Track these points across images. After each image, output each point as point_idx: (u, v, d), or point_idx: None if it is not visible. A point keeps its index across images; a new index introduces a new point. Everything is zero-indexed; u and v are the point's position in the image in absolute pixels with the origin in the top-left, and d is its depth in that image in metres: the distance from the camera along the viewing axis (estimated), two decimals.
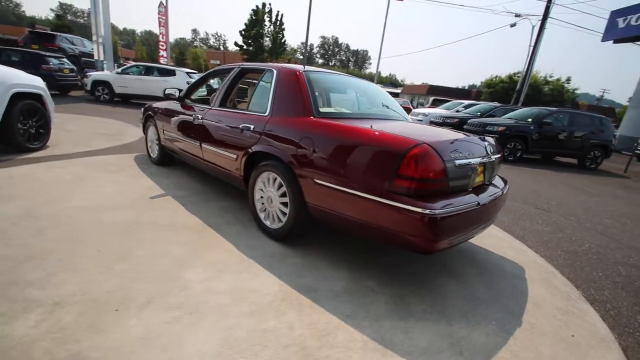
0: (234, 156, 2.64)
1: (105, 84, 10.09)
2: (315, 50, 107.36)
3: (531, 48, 19.63)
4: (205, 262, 2.07)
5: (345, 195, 1.90)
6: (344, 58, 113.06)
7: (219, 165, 2.90)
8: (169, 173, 3.89)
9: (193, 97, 3.71)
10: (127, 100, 10.96)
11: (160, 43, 15.76)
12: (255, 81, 2.96)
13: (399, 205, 1.70)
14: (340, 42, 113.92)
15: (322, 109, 2.31)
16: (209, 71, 3.54)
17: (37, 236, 2.13)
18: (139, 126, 6.72)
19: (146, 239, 2.27)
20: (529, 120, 8.47)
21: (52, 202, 2.66)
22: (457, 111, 12.23)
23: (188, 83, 10.46)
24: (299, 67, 2.64)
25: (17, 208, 2.49)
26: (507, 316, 1.91)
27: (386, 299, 1.90)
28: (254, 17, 30.15)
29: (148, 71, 10.51)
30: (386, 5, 21.47)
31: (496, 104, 13.56)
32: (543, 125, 8.22)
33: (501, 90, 32.22)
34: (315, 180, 2.04)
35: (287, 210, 2.30)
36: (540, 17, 19.17)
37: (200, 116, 3.05)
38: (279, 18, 30.60)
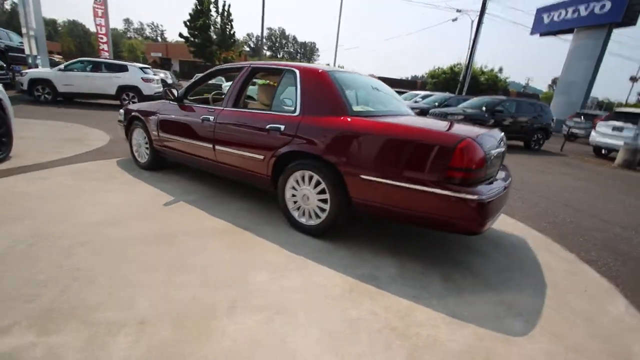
0: (261, 157, 2.64)
1: (45, 82, 8.97)
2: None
3: (471, 41, 21.35)
4: (262, 263, 2.09)
5: (395, 188, 2.05)
6: (292, 50, 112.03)
7: (239, 166, 2.86)
8: (165, 177, 3.70)
9: (190, 97, 3.56)
10: (71, 100, 9.88)
11: (100, 35, 14.22)
12: (268, 81, 2.96)
13: (451, 194, 1.89)
14: (287, 34, 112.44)
15: (355, 108, 2.41)
16: (210, 70, 3.41)
17: (68, 257, 1.97)
18: (103, 128, 6.26)
19: (188, 247, 2.21)
20: (483, 108, 9.32)
21: (59, 219, 2.44)
22: (416, 102, 12.96)
23: (143, 79, 9.76)
24: (320, 66, 2.70)
25: (24, 228, 2.25)
26: (533, 280, 2.22)
27: (437, 279, 2.10)
28: (198, 7, 28.53)
29: (95, 67, 9.54)
30: None
31: (449, 94, 14.58)
32: (495, 112, 9.11)
33: (444, 81, 34.55)
34: (362, 176, 2.15)
35: (326, 207, 2.39)
36: (479, 13, 20.87)
37: (211, 117, 2.96)
38: (226, 9, 29.33)
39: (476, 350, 1.53)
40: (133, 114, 3.92)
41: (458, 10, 22.07)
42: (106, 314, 1.52)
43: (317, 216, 2.47)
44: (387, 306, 1.77)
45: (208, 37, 28.28)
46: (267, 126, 2.56)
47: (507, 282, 2.15)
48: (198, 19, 27.97)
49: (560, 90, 18.92)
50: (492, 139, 2.24)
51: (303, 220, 2.56)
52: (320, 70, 2.57)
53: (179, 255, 2.10)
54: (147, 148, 3.88)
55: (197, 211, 2.84)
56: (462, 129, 2.20)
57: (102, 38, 14.38)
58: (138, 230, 2.39)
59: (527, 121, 9.48)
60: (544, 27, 20.29)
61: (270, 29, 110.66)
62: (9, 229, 2.21)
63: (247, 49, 36.11)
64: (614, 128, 9.07)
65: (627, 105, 42.45)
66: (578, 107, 17.17)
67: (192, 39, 28.56)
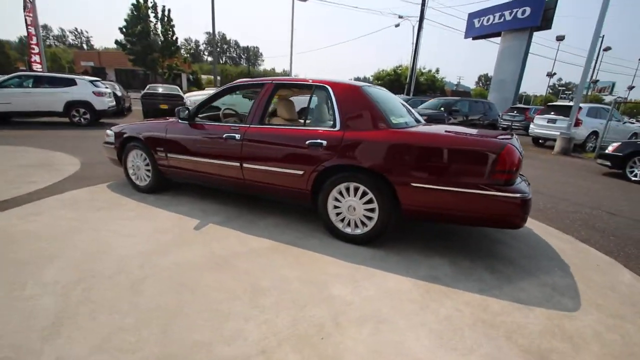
0: (299, 172, 2.68)
1: None
2: (202, 47, 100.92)
3: (414, 45, 22.93)
4: (330, 277, 2.15)
5: (446, 192, 2.25)
6: (234, 55, 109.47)
7: (272, 183, 2.86)
8: (174, 200, 3.53)
9: (201, 115, 3.44)
10: (6, 119, 8.69)
11: (32, 46, 12.61)
12: (289, 96, 2.98)
13: (499, 194, 2.15)
14: (228, 38, 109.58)
15: (393, 121, 2.57)
16: (224, 87, 3.31)
17: (138, 295, 1.85)
18: (64, 150, 5.65)
19: (249, 270, 2.18)
20: (442, 108, 10.14)
21: (96, 255, 2.25)
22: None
23: (95, 93, 8.97)
24: (349, 81, 2.82)
25: (61, 271, 2.05)
26: (556, 262, 2.58)
27: (485, 272, 2.34)
28: (135, 13, 26.67)
29: (37, 82, 8.51)
30: (274, 2, 21.81)
31: (405, 96, 15.47)
32: (452, 112, 9.97)
33: (388, 82, 36.54)
34: (413, 184, 2.32)
35: (373, 215, 2.52)
36: (418, 18, 22.51)
37: (237, 135, 2.92)
38: (166, 14, 27.80)
39: (551, 328, 1.78)
40: (127, 135, 3.66)
41: (400, 17, 23.57)
42: (224, 349, 1.49)
43: (364, 225, 2.59)
44: (466, 302, 1.96)
45: (149, 43, 26.54)
46: (307, 142, 2.62)
47: (539, 267, 2.47)
48: (136, 25, 26.13)
49: (494, 87, 21.14)
50: (517, 143, 2.55)
51: (348, 230, 2.65)
52: (354, 86, 2.69)
53: (247, 278, 2.08)
54: (148, 170, 3.65)
55: (234, 232, 2.78)
56: (496, 135, 2.47)
57: (34, 49, 12.76)
58: (189, 257, 2.29)
59: (479, 118, 10.52)
60: (475, 31, 22.47)
61: (208, 33, 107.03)
62: (44, 275, 1.99)
63: (187, 54, 34.46)
64: (549, 120, 10.46)
65: (546, 97, 49.13)
66: (510, 102, 19.34)
67: (129, 46, 26.57)
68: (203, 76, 42.36)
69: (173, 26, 27.85)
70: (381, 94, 2.96)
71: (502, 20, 20.52)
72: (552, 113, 10.52)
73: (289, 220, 3.11)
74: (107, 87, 9.72)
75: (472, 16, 22.66)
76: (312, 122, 2.83)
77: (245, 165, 2.93)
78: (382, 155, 2.39)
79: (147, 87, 12.96)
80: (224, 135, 2.99)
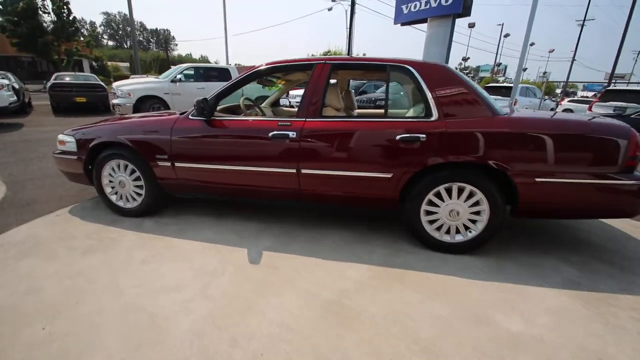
0: (387, 175, 2.15)
1: None
2: (100, 30, 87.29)
3: (348, 30, 23.00)
4: (484, 305, 1.72)
5: (574, 186, 1.98)
6: (142, 39, 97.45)
7: (344, 192, 2.27)
8: (184, 222, 2.66)
9: (218, 109, 2.60)
10: None
11: None
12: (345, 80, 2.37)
13: (627, 182, 1.96)
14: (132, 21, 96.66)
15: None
16: (252, 70, 2.49)
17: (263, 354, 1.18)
18: None
19: (381, 314, 1.63)
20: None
21: (147, 343, 1.44)
22: None
23: (15, 91, 6.80)
24: (433, 61, 2.33)
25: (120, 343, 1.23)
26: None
27: (602, 267, 2.14)
28: None
29: None
30: None
31: (360, 81, 15.34)
32: (361, 93, 10.16)
33: None
34: (538, 179, 1.99)
35: (480, 218, 2.15)
36: (350, 3, 22.56)
37: (292, 133, 2.23)
38: None
39: None
40: (100, 140, 2.62)
41: (333, 0, 23.30)
42: None
43: (468, 230, 2.20)
44: (633, 307, 1.73)
45: (38, 25, 21.57)
46: (398, 137, 2.09)
47: (617, 259, 2.34)
48: (17, 2, 20.91)
49: None
50: None
51: (446, 238, 2.24)
52: (442, 66, 2.23)
53: (394, 329, 1.53)
54: (139, 186, 2.68)
55: (305, 259, 2.14)
56: (609, 119, 2.24)
57: None
58: (289, 310, 1.63)
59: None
60: (404, 17, 23.12)
61: (107, 13, 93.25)
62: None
63: (90, 37, 29.10)
64: None
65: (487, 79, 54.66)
66: None
67: (12, 27, 21.22)
68: (109, 63, 36.61)
69: (67, 3, 23.05)
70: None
71: (427, 6, 21.49)
72: (490, 94, 11.47)
73: (354, 231, 2.55)
74: (3, 78, 7.44)
75: (399, 2, 23.35)
76: (397, 112, 2.30)
77: (304, 171, 2.27)
78: (501, 148, 2.00)
79: (54, 76, 10.50)
80: (269, 135, 2.26)
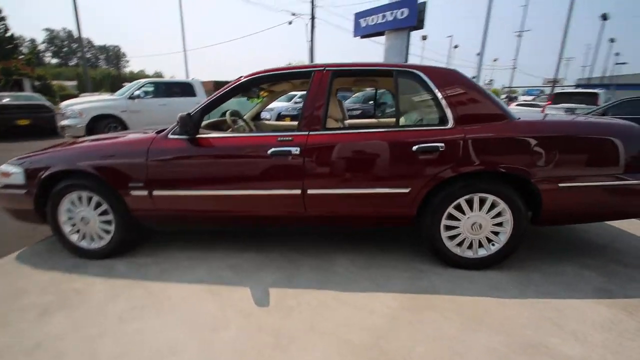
0: (404, 190, 1.94)
1: None
2: (42, 47, 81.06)
3: (310, 43, 23.23)
4: (535, 331, 1.53)
5: (599, 190, 1.91)
6: (89, 56, 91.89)
7: (357, 212, 2.03)
8: (164, 260, 2.26)
9: (203, 126, 2.25)
10: None
11: None
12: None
13: None
14: (77, 36, 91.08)
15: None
16: (240, 81, 2.18)
17: None
18: None
19: (430, 354, 1.39)
20: (371, 102, 10.32)
21: None
22: (296, 102, 13.03)
23: None
24: (443, 66, 2.18)
25: None
26: None
27: (599, 273, 2.05)
28: None
29: None
30: None
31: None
32: (380, 105, 10.26)
33: None
34: (561, 184, 1.89)
35: (505, 229, 2.00)
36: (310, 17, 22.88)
37: (294, 149, 1.95)
38: None
39: None
40: (54, 170, 2.17)
41: (293, 14, 23.45)
42: None
43: (492, 243, 2.04)
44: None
45: None
46: (415, 147, 1.89)
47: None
48: None
49: None
50: None
51: (469, 254, 2.06)
52: (452, 70, 2.09)
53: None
54: (107, 222, 2.25)
55: (319, 294, 1.85)
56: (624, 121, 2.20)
57: None
58: (317, 359, 1.33)
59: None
60: (362, 30, 23.92)
61: (49, 30, 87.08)
62: None
63: (31, 55, 26.66)
64: None
65: None
66: None
67: None
68: (54, 82, 33.81)
69: (4, 18, 20.99)
70: None
71: (384, 20, 22.46)
72: None
73: (363, 253, 2.31)
74: None
75: (358, 16, 24.06)
76: (409, 120, 2.12)
77: (310, 191, 1.99)
78: (523, 154, 1.88)
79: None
80: (268, 152, 1.97)
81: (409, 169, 1.93)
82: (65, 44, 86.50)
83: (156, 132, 2.23)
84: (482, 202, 1.97)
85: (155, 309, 1.73)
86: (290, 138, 1.99)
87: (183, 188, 2.09)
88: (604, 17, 25.33)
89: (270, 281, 1.98)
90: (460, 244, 2.06)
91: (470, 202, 1.98)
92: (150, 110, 7.74)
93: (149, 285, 1.97)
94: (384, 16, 22.19)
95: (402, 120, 2.12)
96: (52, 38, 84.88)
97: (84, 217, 2.24)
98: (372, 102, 10.36)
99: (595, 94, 9.42)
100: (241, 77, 2.21)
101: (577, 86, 24.32)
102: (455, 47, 36.73)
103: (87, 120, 7.05)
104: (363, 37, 25.08)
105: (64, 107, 7.55)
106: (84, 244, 2.31)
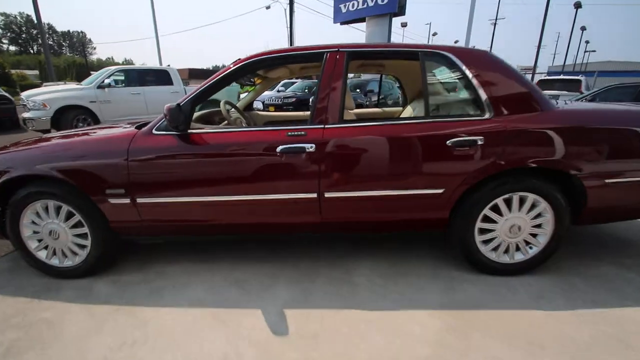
0: (438, 191, 1.69)
1: None
2: None
3: (288, 29, 22.49)
4: (574, 345, 1.34)
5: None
6: (52, 42, 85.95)
7: (381, 216, 1.77)
8: (153, 276, 1.94)
9: (194, 119, 1.90)
10: None
11: None
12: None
13: None
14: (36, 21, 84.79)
15: None
16: (236, 66, 1.81)
17: None
18: None
19: None
20: (357, 90, 10.04)
21: None
22: (279, 91, 12.53)
23: None
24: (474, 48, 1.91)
25: None
26: None
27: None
28: None
29: None
30: None
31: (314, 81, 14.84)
32: (367, 93, 10.02)
33: None
34: (607, 180, 1.70)
35: (545, 230, 1.79)
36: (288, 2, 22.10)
37: (309, 146, 1.65)
38: None
39: None
40: (14, 175, 1.77)
41: None
42: None
43: (529, 246, 1.84)
44: None
45: None
46: (450, 141, 1.64)
47: None
48: None
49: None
50: None
51: (506, 259, 1.86)
52: (485, 52, 1.82)
53: None
54: (80, 236, 1.88)
55: (345, 314, 1.59)
56: None
57: None
58: None
59: (391, 97, 10.97)
60: (343, 16, 23.36)
61: (5, 15, 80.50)
62: None
63: None
64: None
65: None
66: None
67: None
68: (12, 71, 31.33)
69: None
70: None
71: (365, 6, 21.97)
72: None
73: (384, 259, 2.06)
74: None
75: (338, 1, 23.49)
76: (439, 109, 1.84)
77: (327, 194, 1.71)
78: (570, 146, 1.66)
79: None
80: (277, 150, 1.66)
81: (442, 166, 1.68)
82: (24, 30, 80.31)
83: (137, 127, 1.86)
84: (521, 201, 1.75)
85: (149, 345, 1.42)
86: (303, 132, 1.68)
87: (174, 194, 1.75)
88: (578, 5, 25.86)
89: (285, 300, 1.70)
90: (495, 249, 1.85)
91: (508, 202, 1.76)
92: (122, 100, 7.12)
93: (139, 311, 1.64)
94: (364, 2, 21.79)
95: (432, 109, 1.84)
96: (9, 23, 78.50)
97: (53, 231, 1.86)
98: (358, 90, 10.07)
99: (579, 81, 9.52)
100: (239, 59, 1.85)
101: (560, 73, 24.83)
102: (434, 34, 36.77)
103: (52, 112, 6.38)
104: (343, 23, 24.69)
105: (26, 98, 6.80)
106: (55, 261, 1.93)
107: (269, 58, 1.84)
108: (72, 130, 2.50)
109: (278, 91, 12.93)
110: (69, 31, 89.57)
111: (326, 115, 1.71)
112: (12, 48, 78.54)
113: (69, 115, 6.57)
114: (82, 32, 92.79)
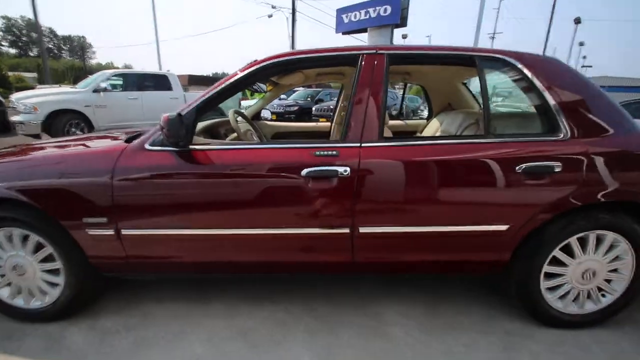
0: (502, 227, 1.36)
1: None
2: None
3: (291, 39, 22.44)
4: None
5: None
6: (52, 46, 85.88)
7: (428, 257, 1.43)
8: (139, 324, 1.57)
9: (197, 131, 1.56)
10: None
11: None
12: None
13: None
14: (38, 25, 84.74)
15: None
16: (247, 70, 1.48)
17: None
18: None
19: None
20: (308, 99, 9.89)
21: None
22: (280, 99, 12.30)
23: None
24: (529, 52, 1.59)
25: None
26: None
27: None
28: None
29: None
30: None
31: (317, 89, 14.65)
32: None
33: None
34: None
35: (623, 275, 1.46)
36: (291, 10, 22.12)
37: (343, 169, 1.31)
38: None
39: None
40: None
41: (273, 7, 22.52)
42: None
43: (602, 294, 1.51)
44: None
45: None
46: (519, 167, 1.31)
47: None
48: None
49: None
50: None
51: (574, 309, 1.52)
52: (553, 58, 1.51)
53: None
54: (51, 272, 1.52)
55: None
56: None
57: None
58: None
59: (395, 108, 10.73)
60: (345, 26, 23.49)
61: (7, 18, 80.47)
62: None
63: None
64: None
65: None
66: None
67: None
68: (10, 73, 30.96)
69: None
70: None
71: (367, 17, 22.03)
72: None
73: (417, 301, 1.71)
74: None
75: (340, 12, 23.55)
76: (497, 129, 1.52)
77: (363, 230, 1.37)
78: None
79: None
80: (303, 173, 1.32)
81: (509, 196, 1.35)
82: (24, 33, 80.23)
83: (126, 140, 1.52)
84: (598, 242, 1.42)
85: None
86: (334, 152, 1.35)
87: (171, 226, 1.40)
88: (577, 20, 26.06)
89: (300, 355, 1.34)
90: (562, 297, 1.51)
91: (582, 242, 1.43)
92: (118, 105, 6.79)
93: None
94: (366, 12, 21.88)
95: (495, 128, 1.51)
96: (10, 27, 78.43)
97: (17, 265, 1.50)
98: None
99: None
100: (255, 61, 1.52)
101: None
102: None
103: (42, 117, 6.02)
104: (345, 33, 24.77)
105: (15, 101, 6.46)
106: (19, 302, 1.57)
107: (293, 60, 1.52)
108: (51, 139, 2.16)
109: (279, 99, 12.69)
110: (69, 35, 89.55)
111: (362, 132, 1.38)
112: (12, 51, 78.35)
113: (61, 121, 6.22)
114: (82, 36, 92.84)
